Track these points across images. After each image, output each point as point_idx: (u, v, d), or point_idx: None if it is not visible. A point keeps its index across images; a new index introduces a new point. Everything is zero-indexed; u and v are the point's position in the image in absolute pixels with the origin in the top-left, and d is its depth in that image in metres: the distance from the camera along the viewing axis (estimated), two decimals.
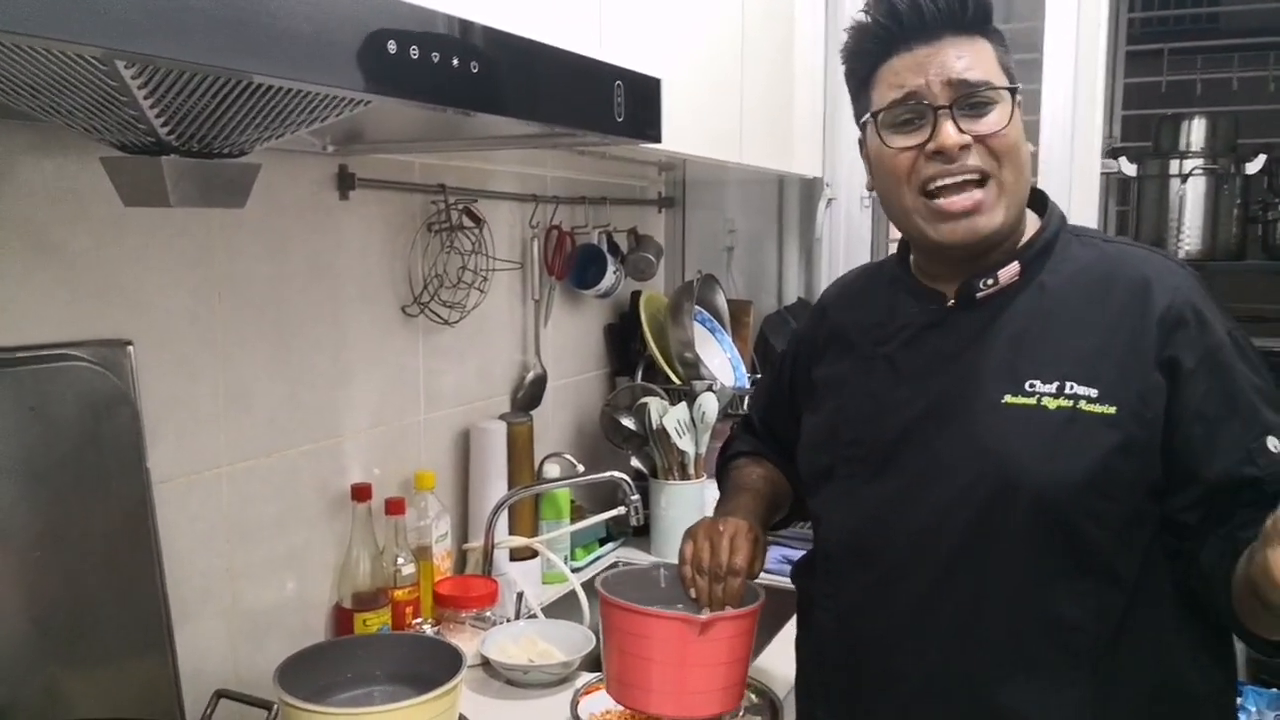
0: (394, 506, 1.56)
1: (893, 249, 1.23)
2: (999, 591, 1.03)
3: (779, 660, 1.44)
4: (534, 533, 1.88)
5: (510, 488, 1.81)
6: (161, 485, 1.24)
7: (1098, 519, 1.00)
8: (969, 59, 1.03)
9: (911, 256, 1.16)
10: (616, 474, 1.80)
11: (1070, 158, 2.13)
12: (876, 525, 1.10)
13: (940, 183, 1.03)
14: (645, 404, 2.05)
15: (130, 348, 1.20)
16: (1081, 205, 2.11)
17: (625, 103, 1.16)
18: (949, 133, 1.01)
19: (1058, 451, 1.00)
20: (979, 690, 1.04)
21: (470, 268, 1.74)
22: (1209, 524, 0.99)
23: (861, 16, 1.09)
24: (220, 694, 1.20)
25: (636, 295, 2.24)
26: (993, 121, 1.03)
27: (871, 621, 1.11)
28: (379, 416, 1.62)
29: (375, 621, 1.50)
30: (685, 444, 2.03)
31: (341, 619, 1.51)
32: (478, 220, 1.75)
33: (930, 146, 1.02)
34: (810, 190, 2.45)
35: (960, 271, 1.09)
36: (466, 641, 1.53)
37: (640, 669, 1.13)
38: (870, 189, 1.15)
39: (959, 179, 1.03)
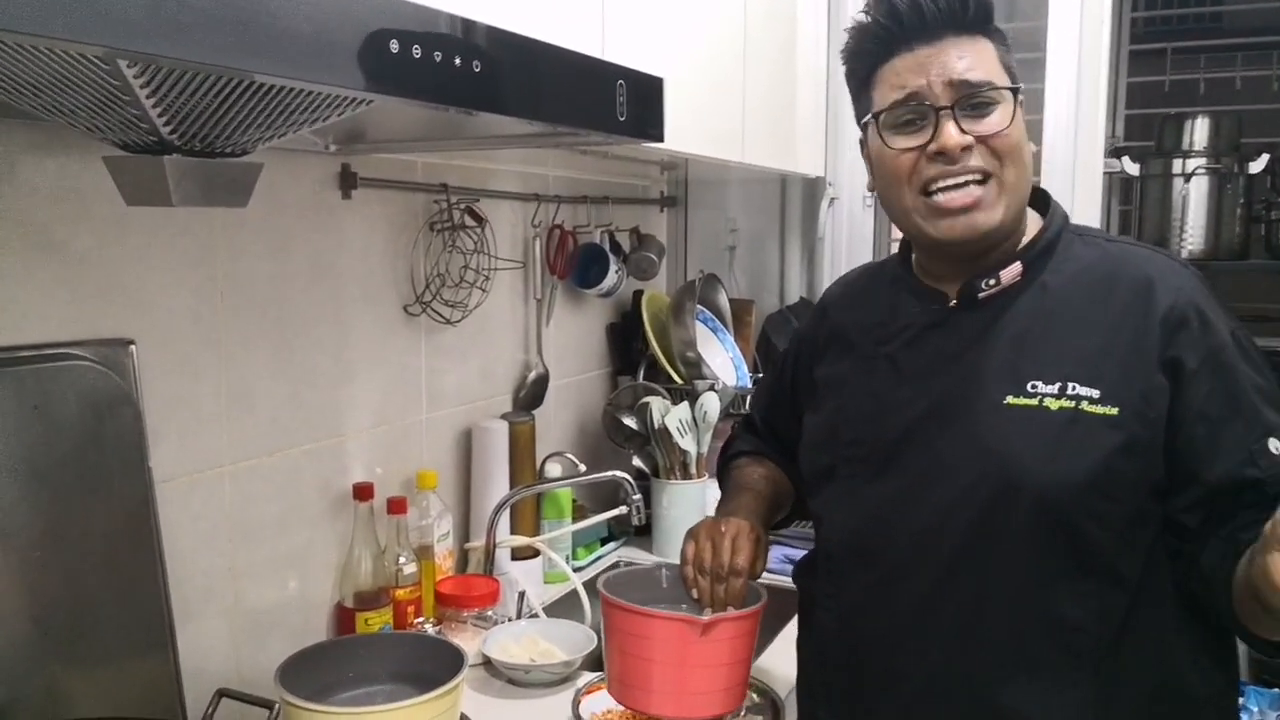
0: (396, 506, 1.56)
1: (895, 249, 1.23)
2: (1001, 592, 1.03)
3: (780, 660, 1.44)
4: (536, 532, 1.88)
5: (512, 487, 1.81)
6: (163, 484, 1.24)
7: (1100, 520, 1.00)
8: (970, 59, 1.02)
9: (913, 256, 1.16)
10: (618, 473, 1.80)
11: (1073, 157, 2.13)
12: (878, 525, 1.10)
13: (942, 183, 1.03)
14: (647, 403, 2.05)
15: (132, 347, 1.20)
16: (1084, 205, 2.11)
17: (628, 102, 1.16)
18: (951, 134, 1.01)
19: (1060, 452, 0.99)
20: (980, 690, 1.04)
21: (472, 267, 1.74)
22: (1210, 525, 0.99)
23: (862, 16, 1.09)
24: (222, 693, 1.20)
25: (638, 294, 2.24)
26: (995, 122, 1.02)
27: (873, 621, 1.11)
28: (381, 416, 1.62)
29: (377, 621, 1.50)
30: (687, 443, 2.03)
31: (343, 618, 1.51)
32: (480, 219, 1.75)
33: (932, 147, 1.02)
34: (812, 189, 2.45)
35: (962, 271, 1.09)
36: (468, 641, 1.53)
37: (642, 670, 1.13)
38: (871, 189, 1.14)
39: (961, 180, 1.02)
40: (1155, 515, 1.02)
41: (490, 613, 1.63)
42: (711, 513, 1.27)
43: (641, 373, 2.19)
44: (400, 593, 1.54)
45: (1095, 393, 1.00)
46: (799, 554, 1.38)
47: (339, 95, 0.85)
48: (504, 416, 1.86)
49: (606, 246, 2.11)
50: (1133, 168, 2.67)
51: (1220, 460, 0.98)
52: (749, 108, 1.92)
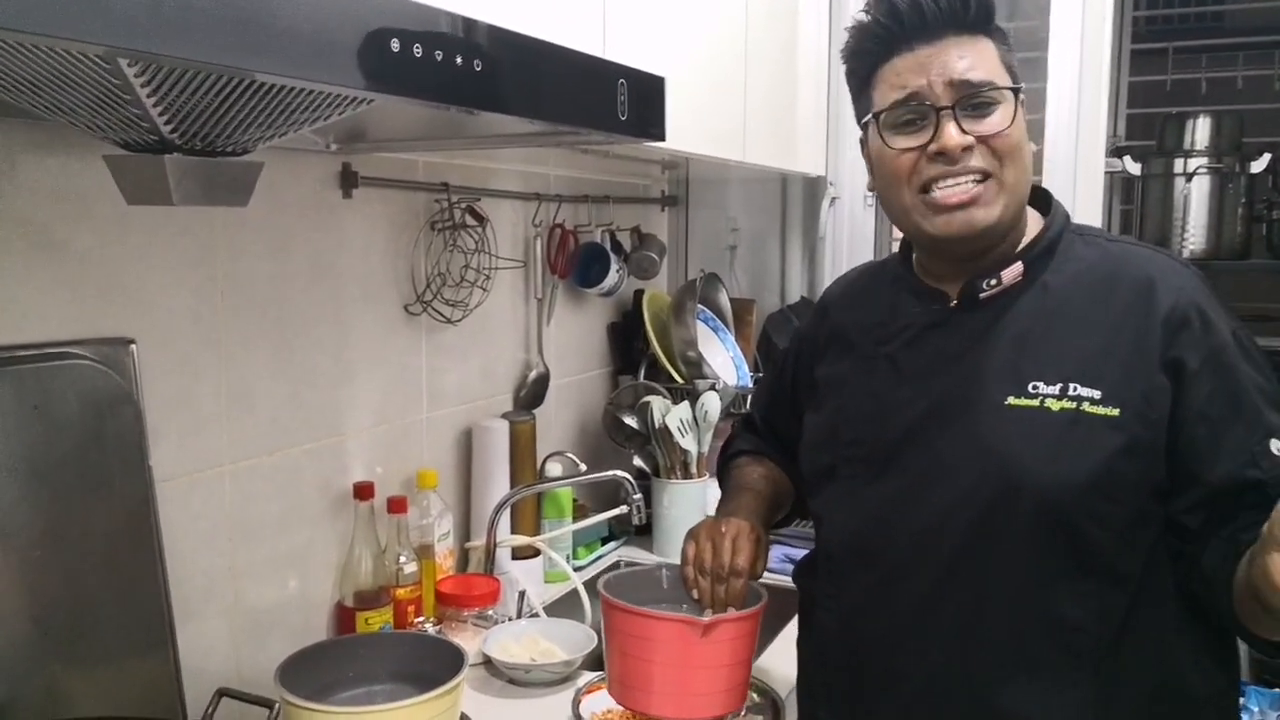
0: (396, 505, 1.56)
1: (896, 248, 1.23)
2: (1001, 592, 1.02)
3: (780, 660, 1.44)
4: (536, 531, 1.88)
5: (512, 486, 1.81)
6: (164, 484, 1.24)
7: (1100, 520, 0.99)
8: (971, 59, 1.02)
9: (914, 256, 1.16)
10: (619, 473, 1.80)
11: (1074, 156, 2.12)
12: (878, 525, 1.10)
13: (942, 184, 1.03)
14: (648, 403, 2.04)
15: (133, 346, 1.20)
16: (1086, 204, 2.10)
17: (629, 101, 1.16)
18: (951, 134, 1.01)
19: (1061, 454, 0.99)
20: (980, 691, 1.03)
21: (473, 266, 1.74)
22: (1211, 526, 0.99)
23: (862, 16, 1.08)
24: (222, 692, 1.20)
25: (639, 294, 2.24)
26: (995, 122, 1.02)
27: (873, 622, 1.10)
28: (381, 415, 1.62)
29: (377, 620, 1.50)
30: (688, 443, 2.03)
31: (343, 618, 1.51)
32: (481, 219, 1.75)
33: (932, 148, 1.02)
34: (813, 189, 2.44)
35: (963, 271, 1.09)
36: (468, 640, 1.53)
37: (642, 671, 1.13)
38: (871, 189, 1.14)
39: (961, 180, 1.02)
40: (1156, 516, 1.01)
41: (490, 612, 1.63)
42: (712, 512, 1.27)
43: (642, 372, 2.19)
44: (400, 592, 1.54)
45: (1096, 393, 1.00)
46: (799, 554, 1.38)
47: (340, 94, 0.85)
48: (504, 416, 1.86)
49: (607, 246, 2.10)
50: (1134, 167, 2.67)
51: (1222, 461, 0.98)
52: (750, 107, 1.92)
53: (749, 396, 2.14)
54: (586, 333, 2.22)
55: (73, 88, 0.76)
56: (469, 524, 1.82)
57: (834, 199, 2.40)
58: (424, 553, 1.62)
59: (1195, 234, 2.65)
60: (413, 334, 1.68)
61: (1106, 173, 2.22)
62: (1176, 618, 1.03)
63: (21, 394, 1.08)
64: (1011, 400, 1.02)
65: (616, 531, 2.14)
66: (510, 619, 1.66)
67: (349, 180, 1.51)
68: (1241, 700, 1.81)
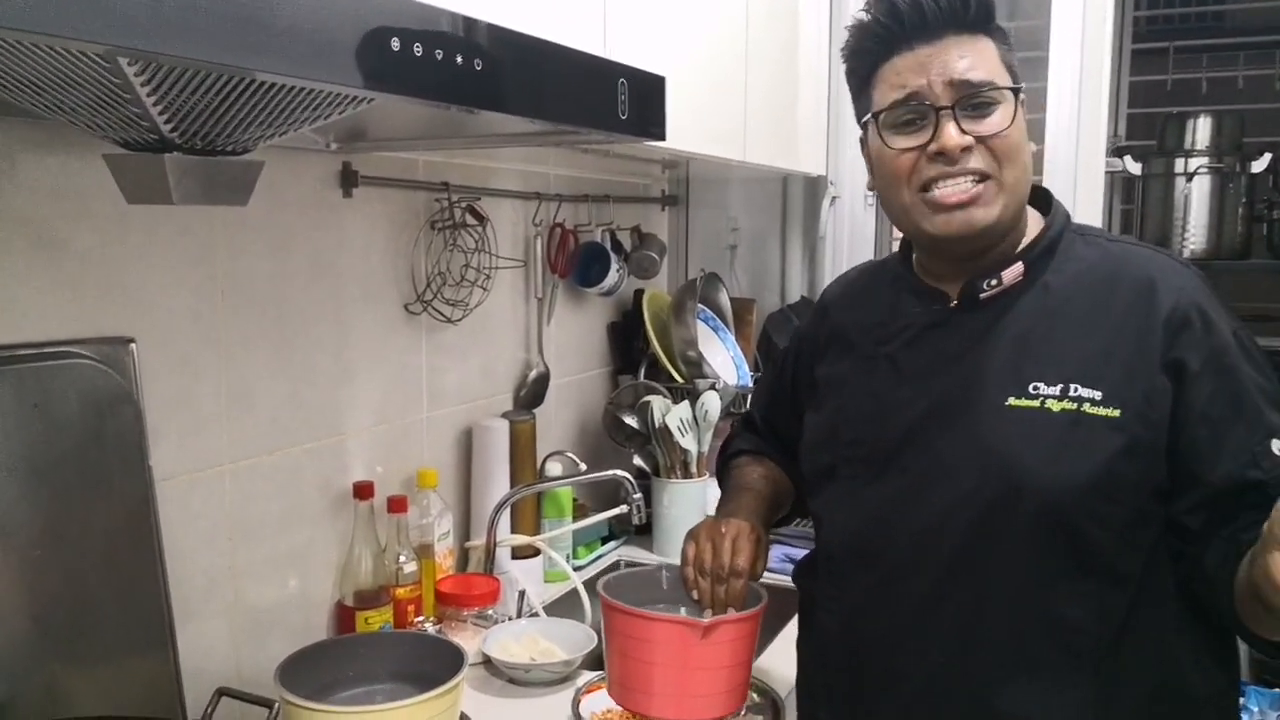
0: (396, 504, 1.56)
1: (896, 248, 1.23)
2: (1001, 592, 1.02)
3: (780, 660, 1.44)
4: (536, 531, 1.87)
5: (512, 486, 1.81)
6: (164, 483, 1.24)
7: (1101, 521, 0.99)
8: (971, 58, 1.02)
9: (914, 256, 1.16)
10: (619, 472, 1.80)
11: (1075, 156, 2.12)
12: (879, 526, 1.09)
13: (941, 184, 1.03)
14: (648, 402, 2.04)
15: (133, 345, 1.20)
16: (1086, 204, 2.10)
17: (629, 101, 1.16)
18: (951, 134, 1.01)
19: (1062, 455, 0.99)
20: (980, 691, 1.03)
21: (473, 265, 1.74)
22: (1212, 527, 0.99)
23: (863, 15, 1.08)
24: (222, 692, 1.20)
25: (639, 293, 2.23)
26: (995, 122, 1.02)
27: (874, 622, 1.10)
28: (381, 414, 1.62)
29: (377, 620, 1.50)
30: (688, 442, 2.03)
31: (343, 617, 1.51)
32: (481, 218, 1.75)
33: (932, 148, 1.02)
34: (814, 188, 2.44)
35: (963, 271, 1.08)
36: (468, 640, 1.53)
37: (642, 672, 1.12)
38: (871, 188, 1.14)
39: (960, 180, 1.02)
40: (1157, 516, 1.01)
41: (490, 612, 1.63)
42: (712, 512, 1.27)
43: (642, 371, 2.19)
44: (400, 591, 1.54)
45: (1097, 394, 0.99)
46: (799, 554, 1.38)
47: (340, 93, 0.85)
48: (505, 415, 1.86)
49: (608, 245, 2.10)
50: (1135, 167, 2.66)
51: (1223, 462, 0.98)
52: (750, 106, 1.92)
53: (749, 396, 2.14)
54: (586, 332, 2.22)
55: (73, 87, 0.76)
56: (469, 523, 1.82)
57: (834, 199, 2.40)
58: (424, 552, 1.62)
59: (1196, 234, 2.65)
60: (413, 333, 1.68)
61: (1107, 172, 2.21)
62: (1177, 618, 1.03)
63: (21, 393, 1.08)
64: (1012, 401, 1.02)
65: (616, 531, 2.14)
66: (510, 618, 1.66)
67: (349, 179, 1.51)
68: (1241, 700, 1.81)
